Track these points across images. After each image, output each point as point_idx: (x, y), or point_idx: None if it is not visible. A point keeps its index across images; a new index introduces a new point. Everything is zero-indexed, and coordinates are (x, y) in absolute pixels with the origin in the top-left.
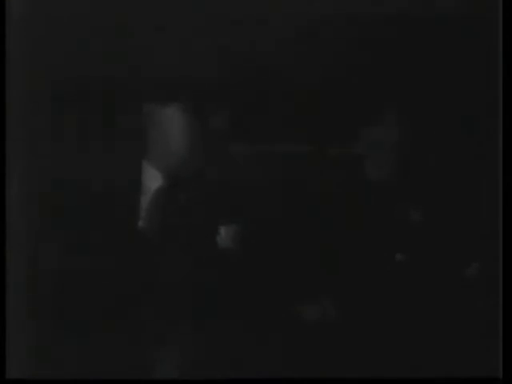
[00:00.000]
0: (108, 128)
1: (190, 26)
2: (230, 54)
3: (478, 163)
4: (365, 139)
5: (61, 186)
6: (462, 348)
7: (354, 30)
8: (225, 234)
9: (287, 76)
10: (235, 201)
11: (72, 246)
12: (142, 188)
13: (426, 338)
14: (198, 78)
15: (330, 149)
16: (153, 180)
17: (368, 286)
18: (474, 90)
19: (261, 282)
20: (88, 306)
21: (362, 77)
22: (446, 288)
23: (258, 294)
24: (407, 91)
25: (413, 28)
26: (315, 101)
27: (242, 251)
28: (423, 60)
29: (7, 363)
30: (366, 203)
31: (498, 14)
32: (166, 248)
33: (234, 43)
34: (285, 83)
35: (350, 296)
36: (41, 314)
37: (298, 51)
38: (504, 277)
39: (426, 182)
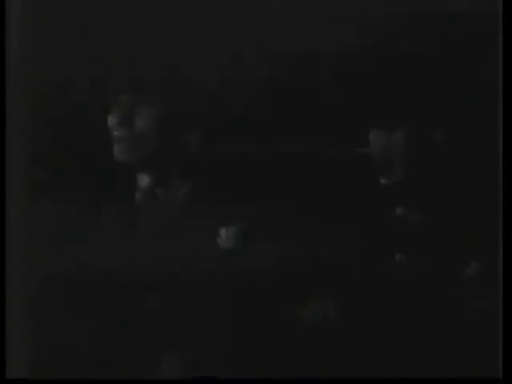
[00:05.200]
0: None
1: (190, 24)
2: (231, 54)
3: (478, 163)
4: (366, 139)
5: None
6: (462, 348)
7: (354, 30)
8: (225, 235)
9: (289, 76)
10: (235, 201)
11: (70, 248)
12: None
13: (426, 338)
14: (198, 78)
15: (330, 149)
16: (146, 180)
17: (368, 287)
18: (474, 91)
19: (260, 282)
20: (87, 306)
21: (363, 77)
22: (446, 288)
23: (257, 294)
24: (408, 92)
25: (413, 28)
26: (315, 101)
27: (241, 251)
28: (424, 61)
29: (7, 363)
30: (366, 203)
31: (497, 13)
32: (164, 248)
33: (234, 43)
34: (286, 83)
35: (349, 296)
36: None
37: (299, 52)
38: (504, 277)
39: (426, 182)
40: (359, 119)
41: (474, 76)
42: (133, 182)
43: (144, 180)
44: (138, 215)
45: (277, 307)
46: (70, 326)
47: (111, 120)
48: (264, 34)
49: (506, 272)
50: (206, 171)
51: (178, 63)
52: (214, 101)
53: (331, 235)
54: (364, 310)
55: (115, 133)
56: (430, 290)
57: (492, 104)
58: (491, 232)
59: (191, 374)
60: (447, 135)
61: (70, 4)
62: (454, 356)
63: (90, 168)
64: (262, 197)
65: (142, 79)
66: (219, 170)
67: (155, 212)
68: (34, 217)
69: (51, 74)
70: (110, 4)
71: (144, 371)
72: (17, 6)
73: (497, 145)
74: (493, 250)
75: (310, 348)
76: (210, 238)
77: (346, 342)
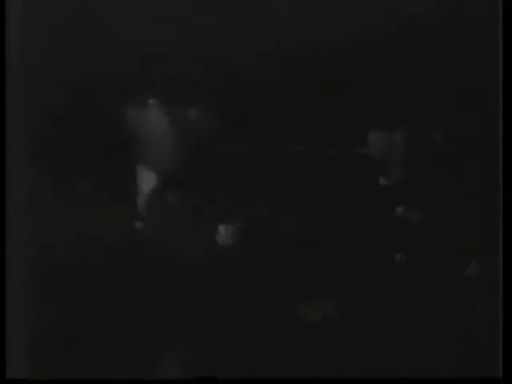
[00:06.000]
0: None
1: (190, 24)
2: (229, 52)
3: (478, 163)
4: (366, 139)
5: None
6: (462, 348)
7: (354, 30)
8: (224, 234)
9: (289, 75)
10: (235, 200)
11: (73, 252)
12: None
13: (426, 338)
14: (196, 77)
15: (330, 149)
16: (147, 181)
17: (368, 287)
18: (474, 91)
19: (259, 282)
20: (88, 308)
21: (362, 76)
22: (446, 288)
23: (257, 294)
24: (408, 92)
25: (413, 28)
26: (316, 100)
27: (241, 251)
28: (425, 61)
29: (7, 363)
30: (366, 203)
31: (497, 14)
32: (164, 248)
33: (234, 43)
34: (286, 82)
35: (349, 296)
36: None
37: (299, 51)
38: (504, 277)
39: (426, 182)
40: (359, 119)
41: (474, 76)
42: (133, 182)
43: (144, 179)
44: (139, 214)
45: (277, 307)
46: (68, 325)
47: (111, 120)
48: (264, 33)
49: (506, 272)
50: (206, 171)
51: (177, 63)
52: (214, 100)
53: (331, 235)
54: (364, 309)
55: (115, 133)
56: (430, 290)
57: (492, 104)
58: (491, 232)
59: (191, 374)
60: (447, 135)
61: (69, 4)
62: (454, 356)
63: (89, 168)
64: (262, 196)
65: (142, 79)
66: (219, 169)
67: (154, 211)
68: (34, 217)
69: (51, 74)
70: (110, 4)
71: (144, 371)
72: (17, 5)
73: (497, 145)
74: (493, 250)
75: (310, 348)
76: (209, 236)
77: (345, 342)
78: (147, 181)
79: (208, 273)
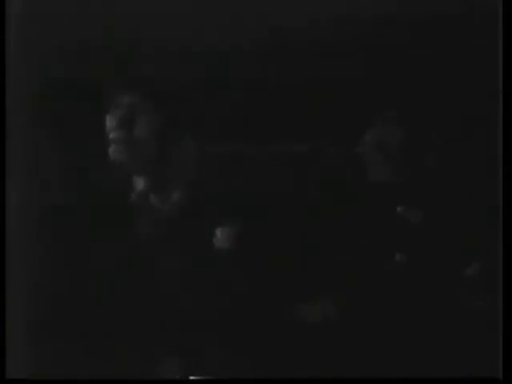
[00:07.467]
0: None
1: (190, 24)
2: (229, 51)
3: (478, 163)
4: (365, 139)
5: None
6: (463, 348)
7: (353, 30)
8: (221, 235)
9: (287, 75)
10: (233, 201)
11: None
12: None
13: (426, 338)
14: (195, 77)
15: (330, 149)
16: (142, 182)
17: (368, 287)
18: (474, 91)
19: (259, 282)
20: (88, 312)
21: (362, 76)
22: (446, 288)
23: (257, 294)
24: (407, 91)
25: (412, 28)
26: (314, 100)
27: (240, 252)
28: (424, 60)
29: (7, 363)
30: (366, 203)
31: (497, 13)
32: (163, 249)
33: (232, 41)
34: (285, 82)
35: (349, 297)
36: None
37: (297, 50)
38: (504, 277)
39: (426, 182)
40: (359, 119)
41: (474, 76)
42: (129, 183)
43: (141, 181)
44: (136, 215)
45: (277, 307)
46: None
47: (110, 120)
48: (263, 33)
49: (506, 272)
50: (205, 171)
51: (177, 62)
52: (214, 100)
53: (331, 235)
54: (364, 309)
55: (113, 132)
56: (430, 290)
57: (492, 104)
58: (491, 232)
59: (191, 375)
60: (447, 135)
61: (70, 4)
62: (454, 356)
63: (86, 168)
64: (261, 197)
65: (141, 79)
66: (218, 170)
67: (152, 213)
68: (34, 216)
69: (51, 73)
70: (110, 4)
71: (145, 373)
72: (17, 6)
73: (497, 145)
74: (493, 250)
75: (310, 348)
76: (207, 238)
77: (345, 342)
78: (145, 181)
79: (208, 273)
